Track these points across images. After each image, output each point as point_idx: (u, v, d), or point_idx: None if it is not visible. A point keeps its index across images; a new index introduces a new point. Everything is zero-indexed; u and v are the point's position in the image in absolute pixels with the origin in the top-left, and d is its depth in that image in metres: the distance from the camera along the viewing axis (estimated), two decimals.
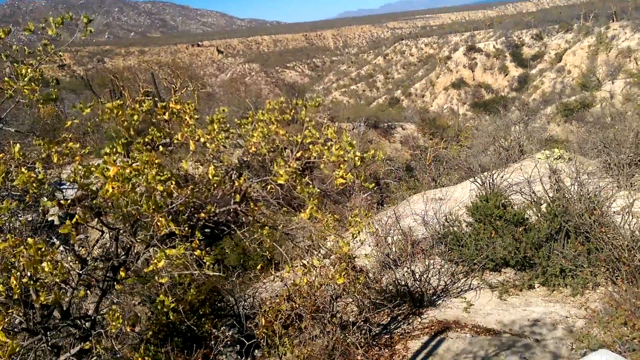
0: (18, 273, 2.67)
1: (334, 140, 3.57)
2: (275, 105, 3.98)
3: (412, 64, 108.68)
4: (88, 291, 3.86)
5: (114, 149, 3.08)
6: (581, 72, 55.14)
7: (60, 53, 3.95)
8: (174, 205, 3.27)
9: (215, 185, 3.47)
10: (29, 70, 3.34)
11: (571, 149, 16.95)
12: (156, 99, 23.03)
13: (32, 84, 3.59)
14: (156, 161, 3.28)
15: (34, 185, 3.00)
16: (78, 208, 3.54)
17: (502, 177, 10.81)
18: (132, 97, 22.57)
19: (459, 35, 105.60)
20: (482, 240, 7.85)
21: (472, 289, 7.52)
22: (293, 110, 4.00)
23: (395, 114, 48.53)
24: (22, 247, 2.56)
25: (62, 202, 3.41)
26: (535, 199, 8.61)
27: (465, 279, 7.81)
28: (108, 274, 3.50)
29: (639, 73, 34.29)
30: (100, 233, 3.73)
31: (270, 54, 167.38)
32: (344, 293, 5.97)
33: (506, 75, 73.09)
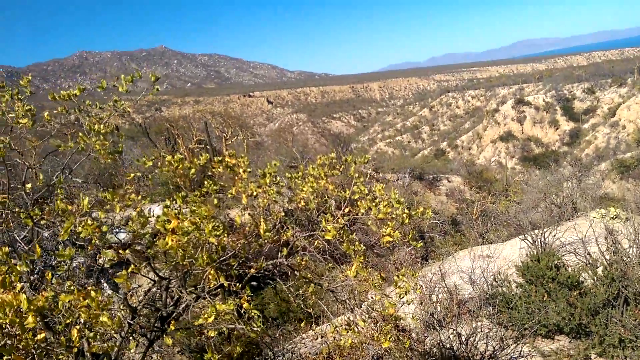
0: (76, 322, 2.80)
1: (381, 197, 3.62)
2: (326, 161, 4.10)
3: (458, 116, 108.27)
4: (132, 339, 3.96)
5: (174, 202, 3.25)
6: (637, 128, 53.18)
7: (123, 102, 4.28)
8: (225, 257, 3.37)
9: (265, 240, 3.56)
10: (101, 126, 3.63)
11: (628, 209, 16.11)
12: (208, 146, 24.01)
13: (102, 137, 3.89)
14: (211, 213, 3.43)
15: (97, 235, 3.19)
16: (128, 253, 3.70)
17: (554, 235, 10.39)
18: (185, 144, 23.65)
19: (506, 88, 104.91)
20: (533, 303, 7.49)
21: (522, 356, 7.12)
22: (342, 166, 4.10)
23: (440, 166, 48.01)
24: (85, 300, 2.69)
25: (114, 246, 3.58)
26: (590, 261, 8.20)
27: (515, 345, 7.41)
28: (156, 324, 3.60)
29: None
30: (152, 282, 3.86)
31: (318, 105, 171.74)
32: (386, 354, 5.80)
33: (557, 129, 71.39)
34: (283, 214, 4.27)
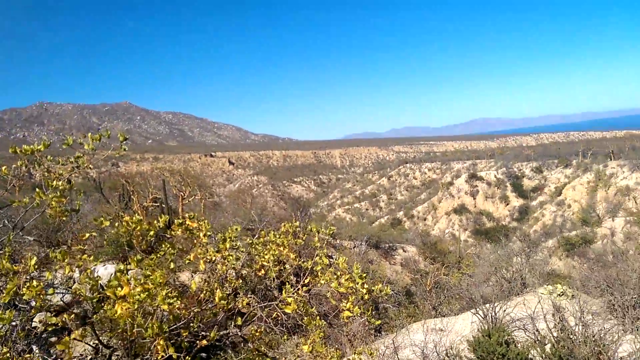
0: None
1: (343, 270, 3.61)
2: (290, 228, 4.09)
3: (415, 187, 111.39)
4: None
5: (128, 266, 3.14)
6: (581, 207, 56.15)
7: (84, 158, 4.20)
8: (176, 327, 3.24)
9: (220, 308, 3.46)
10: (59, 183, 3.54)
11: (574, 286, 16.66)
12: (163, 205, 23.45)
13: (59, 194, 3.78)
14: (165, 279, 3.32)
15: (41, 297, 3.02)
16: (69, 318, 3.49)
17: (504, 311, 10.57)
18: (140, 202, 23.02)
19: (461, 163, 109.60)
20: None
21: None
22: (306, 235, 4.11)
23: (396, 235, 48.53)
24: None
25: (54, 308, 3.38)
26: (539, 338, 8.35)
27: None
28: None
29: (639, 212, 34.89)
30: (94, 350, 3.63)
31: (279, 168, 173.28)
32: None
33: (507, 204, 74.42)
34: (240, 281, 4.19)
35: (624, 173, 59.93)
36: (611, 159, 67.78)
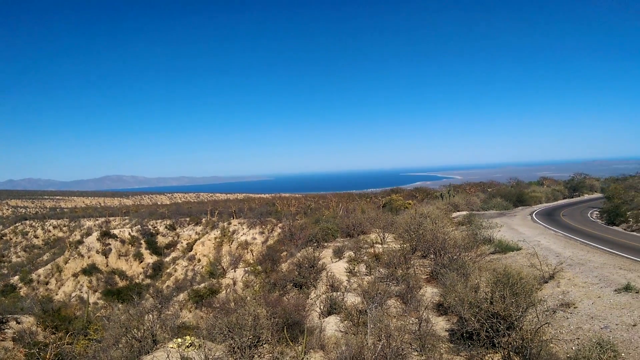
0: None
1: None
2: None
3: (36, 247, 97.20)
4: None
5: None
6: (209, 261, 61.06)
7: None
8: None
9: None
10: None
11: (201, 335, 17.47)
12: None
13: None
14: None
15: None
16: None
17: None
18: None
19: (93, 220, 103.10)
20: None
21: None
22: None
23: (9, 305, 40.66)
24: None
25: None
26: None
27: None
28: None
29: (255, 263, 40.38)
30: None
31: None
32: None
33: (141, 262, 73.59)
34: None
35: (243, 230, 69.35)
36: (234, 218, 77.50)
